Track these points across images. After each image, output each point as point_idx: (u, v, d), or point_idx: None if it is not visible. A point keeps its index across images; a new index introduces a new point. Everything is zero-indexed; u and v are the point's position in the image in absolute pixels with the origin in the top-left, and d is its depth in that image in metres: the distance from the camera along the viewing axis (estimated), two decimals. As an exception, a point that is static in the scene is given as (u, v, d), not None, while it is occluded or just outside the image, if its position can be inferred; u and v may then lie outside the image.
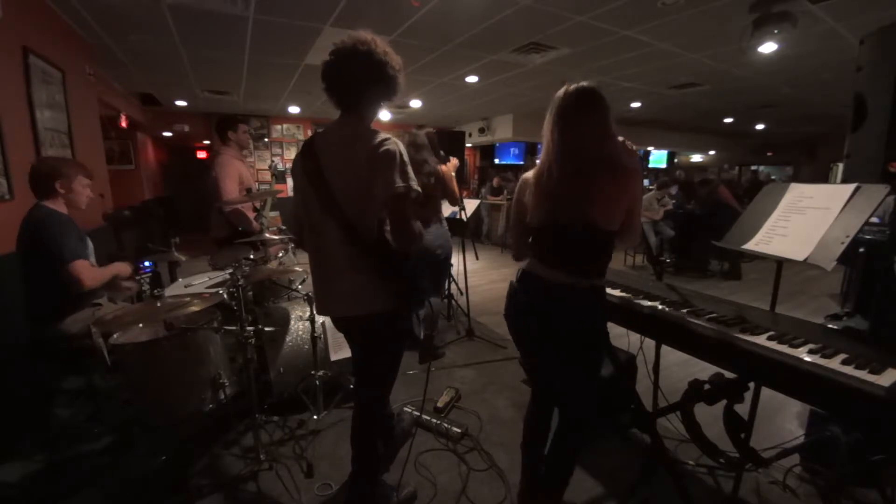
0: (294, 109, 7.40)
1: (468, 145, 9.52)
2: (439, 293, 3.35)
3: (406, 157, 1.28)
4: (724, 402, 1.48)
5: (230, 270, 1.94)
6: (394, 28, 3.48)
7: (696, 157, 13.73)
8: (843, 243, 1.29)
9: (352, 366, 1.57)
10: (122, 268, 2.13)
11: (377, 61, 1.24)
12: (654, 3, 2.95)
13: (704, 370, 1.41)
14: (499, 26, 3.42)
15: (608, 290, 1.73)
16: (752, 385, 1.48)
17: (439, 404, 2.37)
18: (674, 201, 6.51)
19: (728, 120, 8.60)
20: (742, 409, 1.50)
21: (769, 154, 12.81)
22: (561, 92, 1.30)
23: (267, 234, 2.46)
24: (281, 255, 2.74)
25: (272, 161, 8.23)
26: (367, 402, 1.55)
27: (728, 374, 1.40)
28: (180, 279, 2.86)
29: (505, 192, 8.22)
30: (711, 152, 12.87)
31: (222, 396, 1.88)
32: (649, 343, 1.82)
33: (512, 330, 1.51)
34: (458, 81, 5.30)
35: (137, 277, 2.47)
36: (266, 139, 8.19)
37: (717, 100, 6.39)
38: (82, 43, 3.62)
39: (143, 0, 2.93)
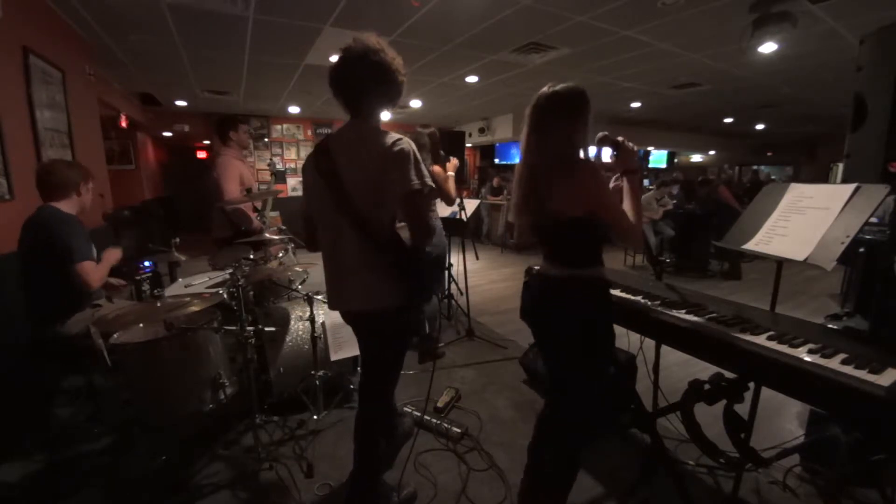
0: (294, 109, 7.40)
1: (468, 145, 9.52)
2: (436, 292, 3.35)
3: (419, 156, 1.33)
4: (724, 402, 1.48)
5: (230, 270, 1.94)
6: (394, 28, 3.48)
7: (696, 157, 13.72)
8: (843, 243, 1.28)
9: (360, 362, 1.60)
10: (114, 254, 2.12)
11: (387, 69, 1.30)
12: (654, 3, 2.95)
13: (704, 370, 1.41)
14: (499, 26, 3.42)
15: (608, 290, 1.73)
16: (752, 385, 1.48)
17: (439, 404, 2.37)
18: (674, 201, 6.51)
19: (728, 120, 8.60)
20: (742, 409, 1.50)
21: (769, 154, 12.81)
22: (534, 98, 1.35)
23: (267, 234, 2.46)
24: (281, 255, 2.74)
25: (271, 160, 8.22)
26: (373, 398, 1.57)
27: (728, 374, 1.40)
28: (180, 279, 2.86)
29: (505, 192, 8.22)
30: (711, 152, 12.87)
31: (222, 396, 1.88)
32: (649, 343, 1.82)
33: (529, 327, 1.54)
34: (458, 81, 5.30)
35: (137, 277, 2.47)
36: (266, 139, 8.19)
37: (717, 100, 6.38)
38: (82, 43, 3.62)
39: (143, 0, 2.93)
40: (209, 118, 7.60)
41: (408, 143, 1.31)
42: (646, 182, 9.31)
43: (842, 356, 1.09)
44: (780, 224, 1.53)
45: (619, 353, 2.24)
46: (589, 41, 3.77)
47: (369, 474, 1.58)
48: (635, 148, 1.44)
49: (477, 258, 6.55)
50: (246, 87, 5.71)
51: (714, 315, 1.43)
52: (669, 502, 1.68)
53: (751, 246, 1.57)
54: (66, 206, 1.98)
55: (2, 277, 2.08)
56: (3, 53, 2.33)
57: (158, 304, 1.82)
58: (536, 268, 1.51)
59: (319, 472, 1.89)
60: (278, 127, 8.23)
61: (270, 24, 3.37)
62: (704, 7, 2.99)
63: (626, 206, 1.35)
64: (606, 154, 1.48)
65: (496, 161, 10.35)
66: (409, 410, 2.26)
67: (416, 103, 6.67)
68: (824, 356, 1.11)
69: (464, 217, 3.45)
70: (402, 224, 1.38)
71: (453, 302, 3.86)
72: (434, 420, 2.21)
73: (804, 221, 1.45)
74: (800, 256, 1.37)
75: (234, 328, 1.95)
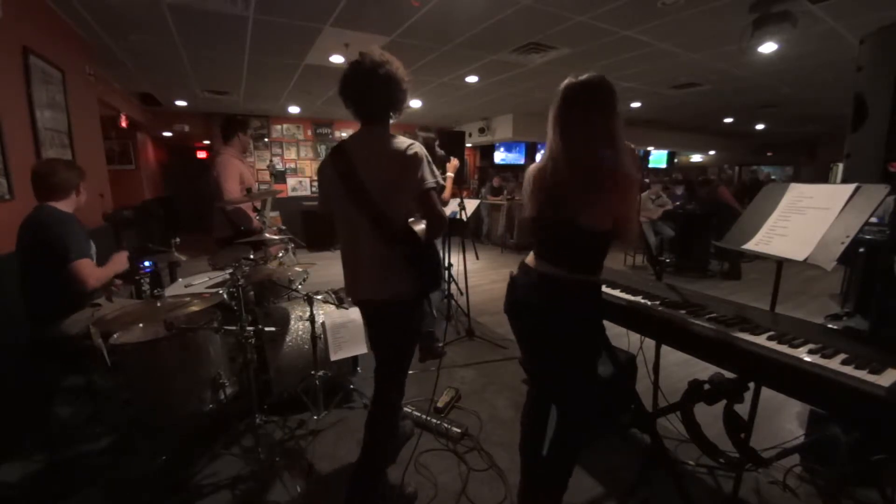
0: (294, 109, 7.40)
1: (468, 145, 9.52)
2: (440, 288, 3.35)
3: (429, 157, 1.47)
4: (724, 402, 1.48)
5: (230, 270, 1.94)
6: (394, 28, 3.48)
7: (696, 157, 13.72)
8: (843, 243, 1.28)
9: (374, 352, 1.68)
10: (121, 260, 2.12)
11: (395, 80, 1.43)
12: (654, 3, 2.95)
13: (704, 370, 1.42)
14: (499, 26, 3.42)
15: (608, 290, 1.73)
16: (752, 385, 1.48)
17: (439, 404, 2.37)
18: (677, 202, 6.51)
19: (728, 120, 8.60)
20: (742, 409, 1.50)
21: (769, 154, 12.81)
22: (564, 84, 1.27)
23: (267, 234, 2.46)
24: (281, 255, 2.74)
25: (271, 161, 8.22)
26: (386, 389, 1.63)
27: (728, 374, 1.40)
28: (180, 279, 2.86)
29: (505, 191, 8.22)
30: (711, 152, 12.86)
31: (222, 396, 1.88)
32: (649, 343, 1.83)
33: (511, 324, 1.52)
34: (458, 81, 5.30)
35: (137, 277, 2.46)
36: (266, 139, 8.18)
37: (717, 100, 6.38)
38: (82, 43, 3.62)
39: (142, 0, 2.93)
40: (209, 118, 7.61)
41: (419, 147, 1.46)
42: (646, 181, 9.30)
43: (842, 356, 1.09)
44: (780, 224, 1.53)
45: (619, 353, 2.24)
46: (589, 41, 3.77)
47: (374, 468, 1.63)
48: (637, 151, 1.43)
49: (477, 258, 6.55)
50: (246, 87, 5.71)
51: (714, 315, 1.43)
52: (669, 502, 1.68)
53: (751, 246, 1.57)
54: (65, 205, 1.98)
55: (2, 277, 2.08)
56: (3, 53, 2.33)
57: (158, 304, 1.82)
58: (528, 262, 1.45)
59: (319, 472, 1.89)
60: (278, 127, 8.23)
61: (270, 24, 3.37)
62: (704, 7, 2.99)
63: None
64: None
65: (496, 161, 10.35)
66: (410, 410, 2.26)
67: (416, 103, 6.66)
68: (824, 356, 1.11)
69: (464, 217, 3.45)
70: (412, 220, 1.52)
71: (453, 302, 3.86)
72: (434, 420, 2.21)
73: (804, 221, 1.45)
74: (800, 256, 1.37)
75: (234, 328, 1.95)
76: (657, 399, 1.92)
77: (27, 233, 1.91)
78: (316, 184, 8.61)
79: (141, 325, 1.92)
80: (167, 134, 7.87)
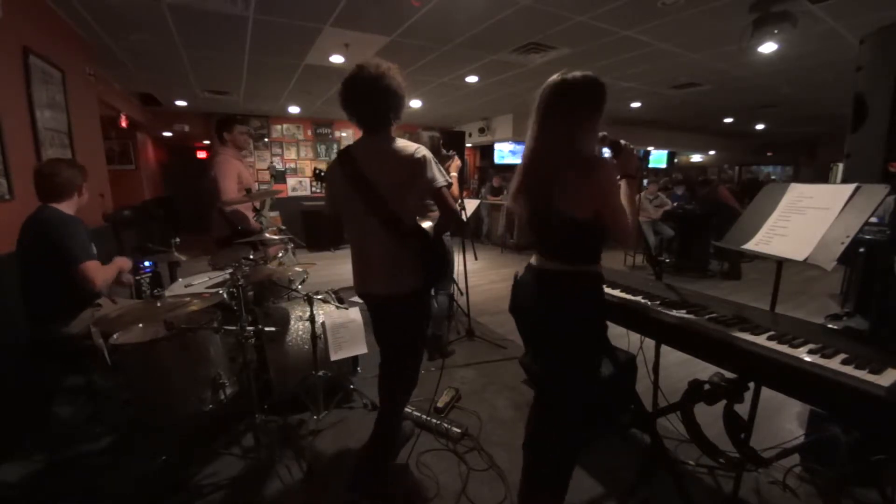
0: (294, 109, 7.40)
1: (468, 145, 9.52)
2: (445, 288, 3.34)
3: (434, 158, 1.56)
4: (724, 402, 1.48)
5: (230, 270, 1.94)
6: (394, 28, 3.48)
7: (696, 157, 13.72)
8: (843, 243, 1.28)
9: (380, 346, 1.78)
10: (124, 262, 2.13)
11: (395, 90, 1.50)
12: (654, 3, 2.95)
13: (704, 370, 1.41)
14: (499, 26, 3.42)
15: (608, 290, 1.73)
16: (752, 385, 1.48)
17: (439, 404, 2.37)
18: (677, 202, 6.51)
19: (728, 120, 8.60)
20: (742, 409, 1.50)
21: (769, 154, 12.80)
22: (546, 83, 1.33)
23: (267, 234, 2.46)
24: (281, 255, 2.74)
25: (271, 161, 8.23)
26: (392, 385, 1.76)
27: (728, 374, 1.40)
28: (180, 279, 2.86)
29: (505, 191, 8.22)
30: (711, 152, 12.86)
31: (222, 396, 1.88)
32: (649, 343, 1.82)
33: (516, 323, 1.53)
34: (458, 81, 5.30)
35: (137, 277, 2.47)
36: (266, 139, 8.19)
37: (717, 100, 6.38)
38: (82, 43, 3.62)
39: (142, 0, 2.93)
40: (209, 118, 7.60)
41: (425, 149, 1.54)
42: (645, 182, 9.31)
43: (842, 356, 1.09)
44: (780, 224, 1.53)
45: (619, 353, 2.24)
46: (589, 41, 3.77)
47: (379, 457, 1.77)
48: (636, 150, 1.44)
49: (476, 258, 6.55)
50: (246, 87, 5.71)
51: (714, 315, 1.42)
52: (669, 502, 1.68)
53: (751, 246, 1.57)
54: (67, 206, 1.98)
55: (2, 278, 2.08)
56: (3, 53, 2.33)
57: (158, 304, 1.82)
58: (531, 262, 1.47)
59: (319, 472, 1.89)
60: (278, 127, 8.23)
61: (270, 24, 3.37)
62: (704, 7, 2.99)
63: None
64: (605, 155, 1.48)
65: (496, 161, 10.34)
66: (410, 410, 2.25)
67: (416, 103, 6.67)
68: (824, 356, 1.11)
69: (464, 217, 3.45)
70: (418, 217, 1.61)
71: (453, 302, 3.86)
72: (434, 420, 2.21)
73: (804, 221, 1.45)
74: (800, 256, 1.37)
75: (234, 328, 1.95)
76: (657, 399, 1.92)
77: (28, 233, 1.90)
78: (316, 184, 8.61)
79: (141, 325, 1.92)
80: (167, 134, 7.87)
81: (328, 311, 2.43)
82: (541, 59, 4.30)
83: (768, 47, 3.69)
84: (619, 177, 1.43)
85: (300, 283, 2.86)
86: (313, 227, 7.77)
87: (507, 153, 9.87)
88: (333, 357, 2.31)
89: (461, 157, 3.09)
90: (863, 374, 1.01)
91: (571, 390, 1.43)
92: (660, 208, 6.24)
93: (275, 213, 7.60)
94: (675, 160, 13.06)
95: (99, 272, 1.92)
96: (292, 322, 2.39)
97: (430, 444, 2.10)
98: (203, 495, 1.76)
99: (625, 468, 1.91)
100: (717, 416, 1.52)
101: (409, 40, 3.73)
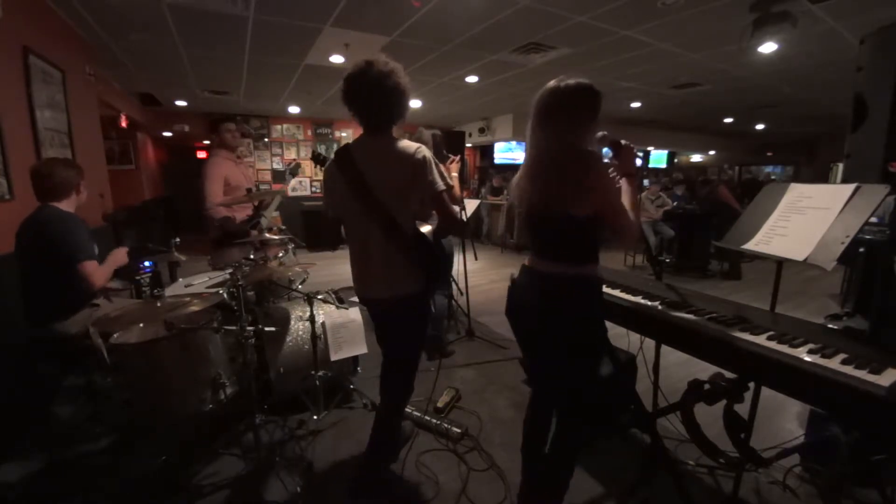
0: (294, 109, 7.40)
1: (468, 145, 9.51)
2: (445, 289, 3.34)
3: (434, 159, 1.51)
4: (724, 402, 1.48)
5: (230, 270, 1.94)
6: (394, 28, 3.48)
7: (696, 157, 13.72)
8: (843, 243, 1.28)
9: (382, 349, 1.76)
10: (120, 255, 2.12)
11: (400, 89, 1.45)
12: (654, 3, 2.95)
13: (704, 370, 1.41)
14: (499, 26, 3.42)
15: (608, 290, 1.73)
16: (752, 385, 1.48)
17: (439, 404, 2.37)
18: (677, 202, 6.51)
19: (728, 120, 8.60)
20: (742, 409, 1.50)
21: (769, 154, 12.80)
22: (541, 90, 1.33)
23: (267, 234, 2.46)
24: (281, 255, 2.74)
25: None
26: (394, 385, 1.74)
27: (728, 374, 1.40)
28: (180, 279, 2.86)
29: (505, 191, 8.22)
30: (711, 152, 12.86)
31: (222, 396, 1.88)
32: (649, 343, 1.82)
33: (512, 325, 1.52)
34: (458, 81, 5.30)
35: (137, 277, 2.46)
36: (266, 139, 8.19)
37: (717, 100, 6.38)
38: (82, 43, 3.62)
39: (142, 0, 2.93)
40: (209, 118, 7.59)
41: (426, 150, 1.50)
42: (645, 182, 9.31)
43: (842, 356, 1.09)
44: (780, 224, 1.53)
45: (619, 353, 2.24)
46: (589, 41, 3.77)
47: (379, 458, 1.78)
48: (635, 150, 1.44)
49: (476, 258, 6.55)
50: (246, 87, 5.71)
51: (714, 315, 1.43)
52: (669, 502, 1.68)
53: (751, 246, 1.57)
54: (66, 205, 1.98)
55: (1, 278, 2.08)
56: (3, 53, 2.33)
57: (158, 304, 1.82)
58: (525, 263, 1.47)
59: (319, 472, 1.89)
60: (278, 127, 8.23)
61: (270, 24, 3.37)
62: (704, 7, 2.99)
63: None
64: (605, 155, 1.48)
65: (496, 161, 10.34)
66: (410, 410, 2.25)
67: (416, 103, 6.67)
68: (824, 356, 1.11)
69: (464, 217, 3.45)
70: (418, 221, 1.58)
71: (453, 302, 3.86)
72: (434, 420, 2.21)
73: (804, 221, 1.45)
74: (800, 256, 1.37)
75: (234, 328, 1.94)
76: (657, 399, 1.92)
77: (28, 233, 1.90)
78: (317, 184, 8.61)
79: (141, 325, 1.92)
80: (167, 134, 7.87)
81: (328, 311, 2.43)
82: (541, 59, 4.30)
83: (768, 47, 3.69)
84: (619, 176, 1.43)
85: (300, 283, 2.85)
86: (313, 227, 7.76)
87: (507, 149, 9.88)
88: (333, 357, 2.31)
89: (461, 158, 3.09)
90: (863, 374, 1.01)
91: (571, 391, 1.43)
92: (661, 208, 6.24)
93: (275, 214, 7.59)
94: (675, 160, 13.06)
95: (99, 272, 1.93)
96: (292, 322, 2.39)
97: (430, 444, 2.10)
98: (203, 495, 1.76)
99: (625, 468, 1.91)
100: (717, 416, 1.52)
101: (409, 40, 3.73)
